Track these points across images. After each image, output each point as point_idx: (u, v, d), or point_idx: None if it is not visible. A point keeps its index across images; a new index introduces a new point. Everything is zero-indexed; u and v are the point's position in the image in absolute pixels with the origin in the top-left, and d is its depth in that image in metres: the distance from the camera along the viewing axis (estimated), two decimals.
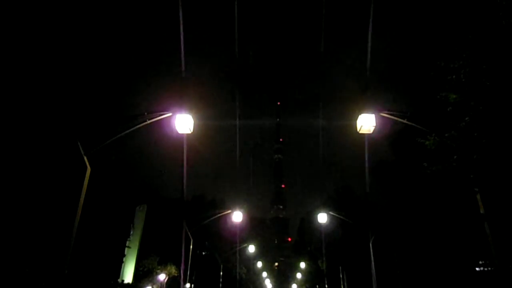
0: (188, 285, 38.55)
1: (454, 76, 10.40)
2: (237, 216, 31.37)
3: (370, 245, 26.84)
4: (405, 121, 13.22)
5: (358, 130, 13.21)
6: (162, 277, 38.84)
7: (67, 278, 12.25)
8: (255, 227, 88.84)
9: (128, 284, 35.84)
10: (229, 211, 33.33)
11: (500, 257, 11.77)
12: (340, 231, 46.93)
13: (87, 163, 12.70)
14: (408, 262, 31.32)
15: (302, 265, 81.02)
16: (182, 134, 13.67)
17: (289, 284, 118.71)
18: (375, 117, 12.93)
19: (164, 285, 39.69)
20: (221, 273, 47.71)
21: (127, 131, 13.31)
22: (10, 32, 19.51)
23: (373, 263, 26.46)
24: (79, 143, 12.52)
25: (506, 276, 11.81)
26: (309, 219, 74.43)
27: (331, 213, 32.32)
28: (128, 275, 37.84)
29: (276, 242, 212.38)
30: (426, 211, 27.56)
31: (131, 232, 40.05)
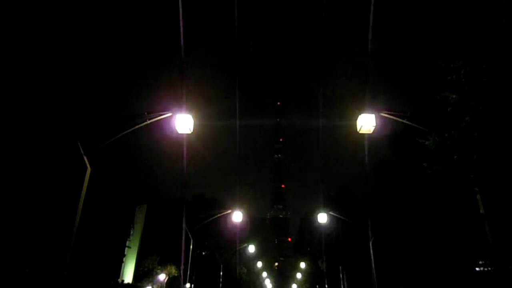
0: (188, 285, 38.53)
1: (454, 76, 10.40)
2: (237, 216, 31.33)
3: (370, 245, 26.83)
4: (405, 121, 13.20)
5: (358, 130, 13.19)
6: (162, 277, 38.85)
7: (67, 278, 12.24)
8: (255, 227, 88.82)
9: (128, 284, 35.83)
10: (229, 211, 33.30)
11: (500, 257, 11.76)
12: (340, 231, 46.96)
13: (87, 163, 12.69)
14: (408, 262, 31.31)
15: (302, 265, 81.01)
16: (182, 134, 13.66)
17: (289, 284, 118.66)
18: (375, 117, 12.90)
19: (164, 285, 39.69)
20: (221, 273, 47.70)
21: (127, 131, 13.29)
22: (10, 32, 19.50)
23: (373, 263, 26.44)
24: (79, 143, 12.51)
25: (506, 276, 11.80)
26: (309, 219, 74.45)
27: (331, 213, 32.29)
28: (128, 275, 37.83)
29: (276, 242, 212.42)
30: (426, 211, 27.56)
31: (131, 232, 40.04)
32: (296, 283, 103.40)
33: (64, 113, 22.63)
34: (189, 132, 13.52)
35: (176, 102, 13.61)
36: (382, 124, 13.52)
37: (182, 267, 32.67)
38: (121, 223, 35.68)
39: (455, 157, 10.78)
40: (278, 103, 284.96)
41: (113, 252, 33.75)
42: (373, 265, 26.46)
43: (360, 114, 12.99)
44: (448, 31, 11.71)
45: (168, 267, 38.77)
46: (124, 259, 37.94)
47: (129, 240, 39.34)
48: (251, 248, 59.46)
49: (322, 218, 30.51)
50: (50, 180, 20.90)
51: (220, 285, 47.00)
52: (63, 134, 20.36)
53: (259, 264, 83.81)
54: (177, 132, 13.44)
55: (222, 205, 52.20)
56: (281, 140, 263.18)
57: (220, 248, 51.32)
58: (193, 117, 13.44)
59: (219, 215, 34.15)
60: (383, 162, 34.30)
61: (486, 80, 9.78)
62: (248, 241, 61.15)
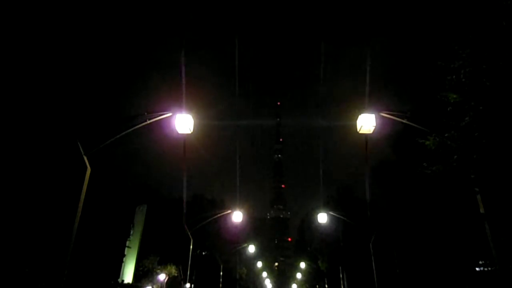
0: (188, 285, 38.54)
1: (454, 76, 10.40)
2: (237, 216, 31.30)
3: (370, 245, 26.82)
4: (405, 121, 13.18)
5: (358, 130, 13.18)
6: (162, 277, 38.85)
7: (67, 278, 12.24)
8: (255, 227, 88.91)
9: (128, 284, 35.85)
10: (229, 211, 33.26)
11: (500, 257, 11.75)
12: (340, 231, 46.97)
13: (87, 163, 12.69)
14: (408, 262, 31.31)
15: (302, 265, 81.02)
16: (182, 134, 13.65)
17: (289, 284, 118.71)
18: (375, 117, 12.88)
19: (164, 285, 39.70)
20: (221, 273, 47.69)
21: (127, 131, 13.29)
22: (11, 32, 19.51)
23: (373, 263, 26.44)
24: (79, 143, 12.51)
25: (506, 276, 11.79)
26: (309, 219, 74.47)
27: (331, 213, 32.28)
28: (128, 275, 37.85)
29: (276, 242, 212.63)
30: (426, 211, 27.55)
31: (131, 232, 40.05)
32: (296, 283, 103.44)
33: (64, 113, 22.63)
34: (189, 132, 13.52)
35: (176, 102, 13.62)
36: (382, 124, 13.51)
37: (182, 267, 32.61)
38: (121, 223, 35.69)
39: (455, 157, 10.77)
40: (278, 103, 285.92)
41: (113, 252, 33.76)
42: (373, 265, 26.47)
43: (360, 114, 12.97)
44: (449, 31, 11.70)
45: (168, 267, 38.77)
46: (124, 259, 37.95)
47: (129, 240, 39.35)
48: (251, 248, 59.45)
49: (322, 218, 30.49)
50: (50, 180, 20.90)
51: (220, 285, 46.98)
52: (63, 134, 20.37)
53: (259, 264, 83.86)
54: (177, 132, 13.44)
55: (222, 205, 52.22)
56: (281, 140, 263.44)
57: (220, 248, 51.31)
58: (193, 117, 13.43)
59: (219, 215, 34.10)
60: (383, 162, 34.29)
61: (486, 80, 9.78)
62: (248, 241, 61.16)
